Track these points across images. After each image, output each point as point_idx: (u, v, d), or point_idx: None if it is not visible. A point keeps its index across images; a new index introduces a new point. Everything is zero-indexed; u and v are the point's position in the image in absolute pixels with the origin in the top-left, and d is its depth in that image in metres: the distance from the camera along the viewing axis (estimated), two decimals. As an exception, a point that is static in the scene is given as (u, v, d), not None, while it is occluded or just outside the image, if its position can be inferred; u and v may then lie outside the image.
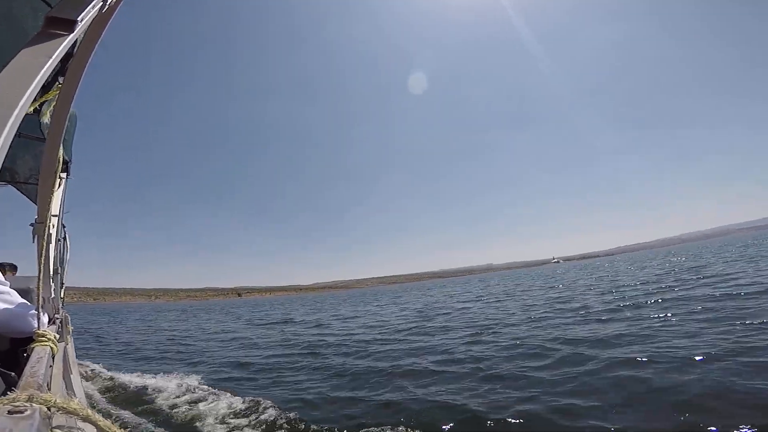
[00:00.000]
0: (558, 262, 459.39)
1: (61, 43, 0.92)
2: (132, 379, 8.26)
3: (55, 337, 1.55)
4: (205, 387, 7.42)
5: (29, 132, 2.48)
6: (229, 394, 6.75)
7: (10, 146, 0.78)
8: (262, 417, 5.53)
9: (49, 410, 0.77)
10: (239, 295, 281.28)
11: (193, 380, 7.92)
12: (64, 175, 3.31)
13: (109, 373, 8.91)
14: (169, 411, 6.15)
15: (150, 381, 7.98)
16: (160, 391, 7.21)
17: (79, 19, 0.97)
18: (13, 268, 3.95)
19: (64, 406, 0.78)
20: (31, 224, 2.19)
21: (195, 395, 6.86)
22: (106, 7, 1.11)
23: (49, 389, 1.48)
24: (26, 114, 1.77)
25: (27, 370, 1.14)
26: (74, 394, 1.99)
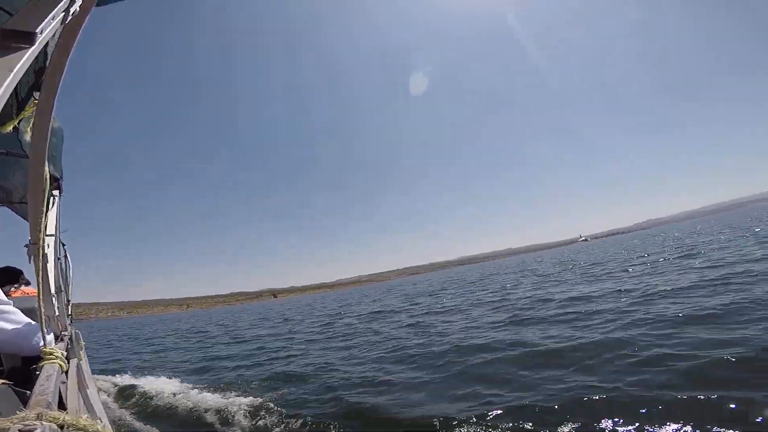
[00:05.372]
0: (586, 240, 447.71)
1: (22, 57, 0.87)
2: (160, 392, 7.55)
3: (63, 355, 1.56)
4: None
5: (18, 150, 2.32)
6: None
7: None
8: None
9: (61, 428, 0.78)
10: (275, 296, 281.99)
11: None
12: (56, 192, 3.12)
13: (136, 384, 8.41)
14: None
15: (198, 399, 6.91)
16: (195, 407, 6.50)
17: (38, 30, 0.91)
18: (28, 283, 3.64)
19: (74, 423, 0.80)
20: (26, 245, 2.10)
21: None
22: (70, 17, 1.05)
23: (65, 406, 1.54)
24: (9, 132, 1.76)
25: (36, 388, 1.17)
26: (92, 409, 2.01)
